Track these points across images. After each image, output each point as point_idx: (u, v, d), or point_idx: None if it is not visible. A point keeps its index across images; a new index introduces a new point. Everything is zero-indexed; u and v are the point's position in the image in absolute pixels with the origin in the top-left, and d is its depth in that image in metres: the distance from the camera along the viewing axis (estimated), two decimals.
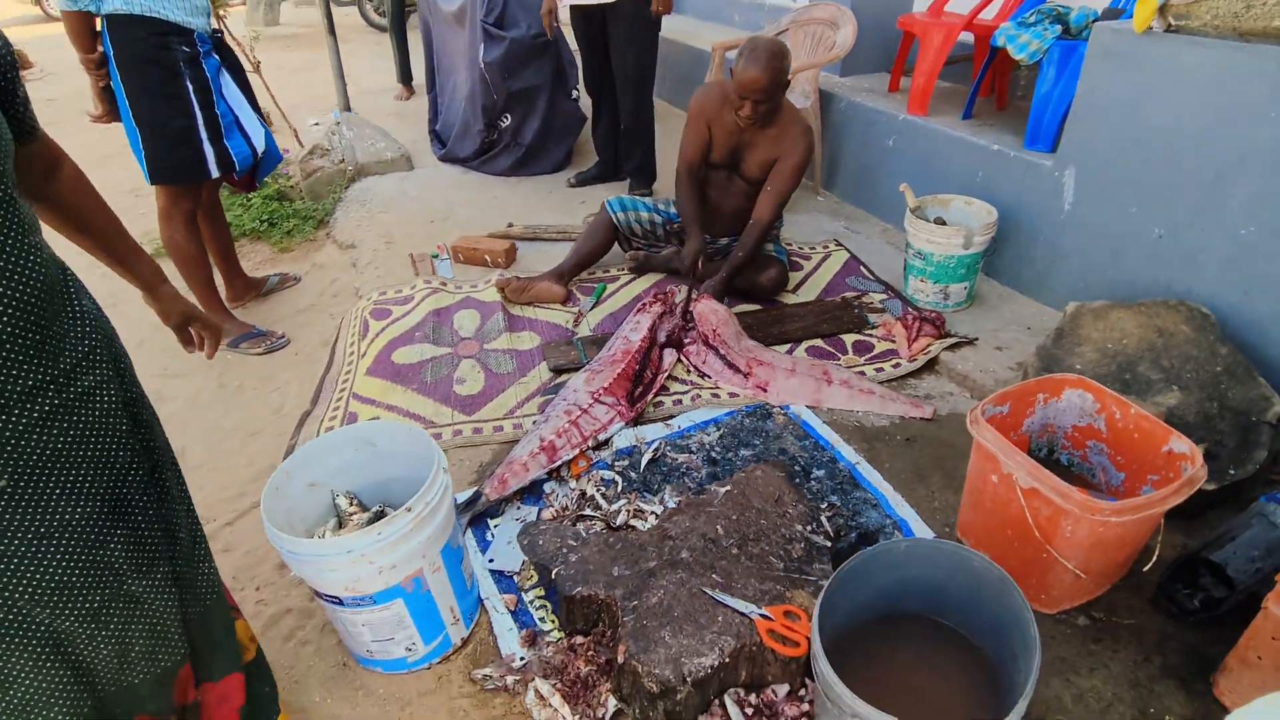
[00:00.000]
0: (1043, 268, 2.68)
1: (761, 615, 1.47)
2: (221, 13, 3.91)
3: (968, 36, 3.22)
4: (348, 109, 4.31)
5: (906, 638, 1.51)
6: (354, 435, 1.60)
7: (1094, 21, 2.54)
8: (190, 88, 2.33)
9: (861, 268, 3.05)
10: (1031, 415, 1.81)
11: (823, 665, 1.23)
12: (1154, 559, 1.57)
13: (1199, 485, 1.47)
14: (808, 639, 1.43)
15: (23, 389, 0.76)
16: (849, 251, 3.17)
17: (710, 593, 1.53)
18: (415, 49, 5.74)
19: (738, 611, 1.49)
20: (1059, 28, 2.63)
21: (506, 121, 3.93)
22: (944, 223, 2.67)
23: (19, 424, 0.76)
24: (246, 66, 2.79)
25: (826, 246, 3.23)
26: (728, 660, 1.43)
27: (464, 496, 1.93)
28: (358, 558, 1.33)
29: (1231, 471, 1.77)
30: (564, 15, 3.78)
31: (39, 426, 0.78)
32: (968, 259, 2.58)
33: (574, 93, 4.05)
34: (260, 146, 2.57)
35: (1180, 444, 1.56)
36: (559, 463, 2.00)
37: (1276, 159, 1.95)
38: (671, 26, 5.12)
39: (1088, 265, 2.51)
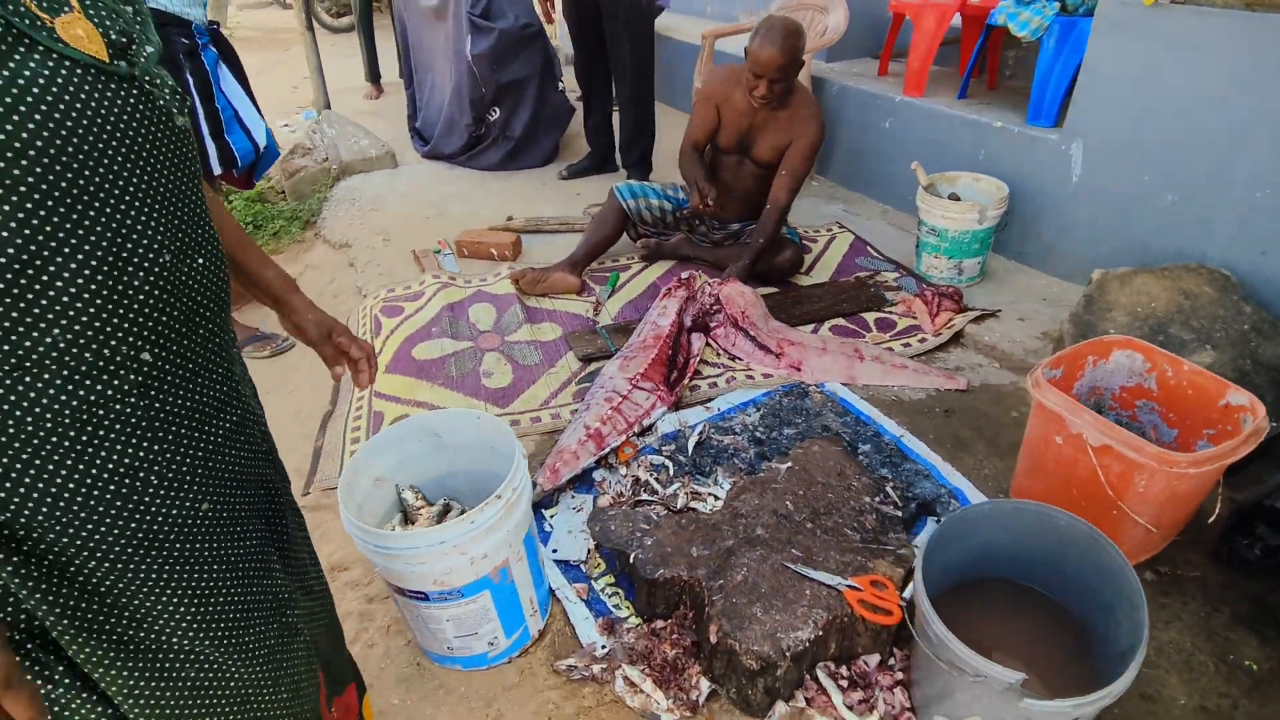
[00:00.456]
0: (1051, 240, 2.74)
1: (850, 586, 1.46)
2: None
3: (955, 18, 3.28)
4: (327, 107, 4.18)
5: (991, 601, 1.51)
6: (420, 426, 1.54)
7: None
8: (190, 80, 2.23)
9: (869, 248, 3.07)
10: (1081, 378, 1.84)
11: (937, 627, 1.22)
12: (1217, 509, 1.61)
13: (1264, 435, 1.51)
14: (900, 606, 1.43)
15: (214, 401, 0.69)
16: (853, 233, 3.19)
17: (794, 567, 1.51)
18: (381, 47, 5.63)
19: (824, 584, 1.48)
20: (1057, 4, 2.69)
21: (495, 115, 3.85)
22: (958, 199, 2.70)
23: (212, 440, 0.69)
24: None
25: (830, 229, 3.25)
26: (821, 633, 1.42)
27: None
28: (450, 548, 1.28)
29: (1274, 425, 1.83)
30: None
31: (225, 444, 0.70)
32: (981, 234, 2.62)
33: (560, 84, 4.00)
34: (261, 141, 2.46)
35: (1239, 396, 1.61)
36: (607, 449, 1.96)
37: None
38: None
39: (1097, 235, 2.58)
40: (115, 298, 0.55)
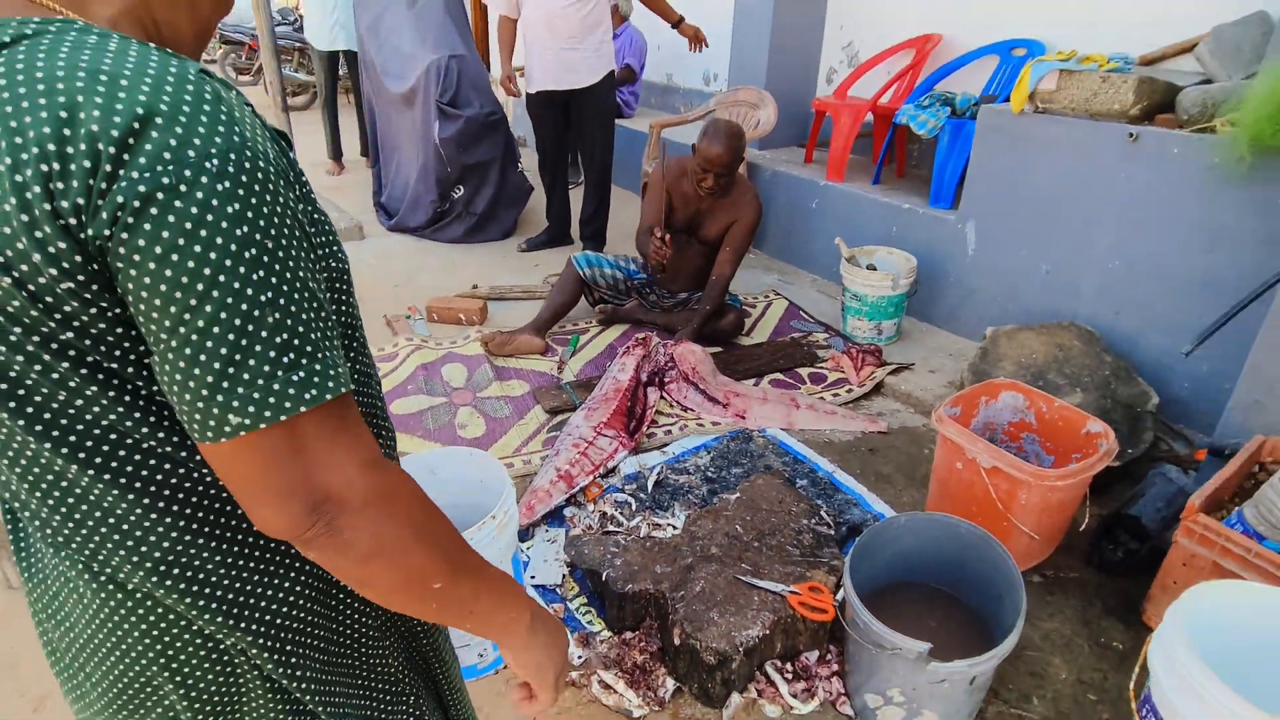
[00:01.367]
0: (954, 303, 3.17)
1: (791, 591, 1.73)
2: None
3: (869, 115, 3.79)
4: None
5: (909, 600, 1.80)
6: (417, 463, 1.76)
7: (975, 105, 3.12)
8: None
9: (801, 313, 3.46)
10: (976, 415, 2.20)
11: (863, 614, 1.50)
12: (1086, 519, 1.95)
13: (1114, 454, 1.88)
14: (833, 605, 1.70)
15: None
16: (788, 299, 3.58)
17: (744, 579, 1.78)
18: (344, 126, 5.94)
19: (770, 591, 1.74)
20: (948, 109, 3.19)
21: (459, 192, 4.18)
22: (874, 269, 3.12)
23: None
24: None
25: (767, 296, 3.63)
26: (769, 631, 1.68)
27: None
28: None
29: (1129, 451, 2.21)
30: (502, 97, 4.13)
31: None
32: (896, 299, 3.03)
33: (520, 165, 4.37)
34: None
35: (1095, 425, 1.98)
36: (576, 489, 2.21)
37: (1127, 208, 2.49)
38: None
39: (990, 299, 3.01)
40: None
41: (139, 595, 0.61)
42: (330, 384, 0.51)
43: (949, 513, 2.07)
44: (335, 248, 0.64)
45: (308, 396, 0.50)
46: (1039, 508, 1.85)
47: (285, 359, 0.49)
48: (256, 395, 0.48)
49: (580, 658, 1.76)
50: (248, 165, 0.47)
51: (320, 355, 0.51)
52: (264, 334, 0.48)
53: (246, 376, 0.47)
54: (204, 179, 0.45)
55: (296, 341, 0.50)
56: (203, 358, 0.47)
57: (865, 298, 3.04)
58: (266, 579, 0.64)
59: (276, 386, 0.48)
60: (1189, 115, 2.36)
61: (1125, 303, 2.57)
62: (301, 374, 0.49)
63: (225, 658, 0.65)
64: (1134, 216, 2.49)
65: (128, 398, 0.53)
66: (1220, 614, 1.37)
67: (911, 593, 1.82)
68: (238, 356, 0.47)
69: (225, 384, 0.47)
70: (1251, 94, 2.09)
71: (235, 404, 0.48)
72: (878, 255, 3.20)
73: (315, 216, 0.60)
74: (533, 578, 1.96)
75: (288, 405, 0.49)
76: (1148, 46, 2.92)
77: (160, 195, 0.44)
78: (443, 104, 3.95)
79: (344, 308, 0.65)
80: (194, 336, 0.46)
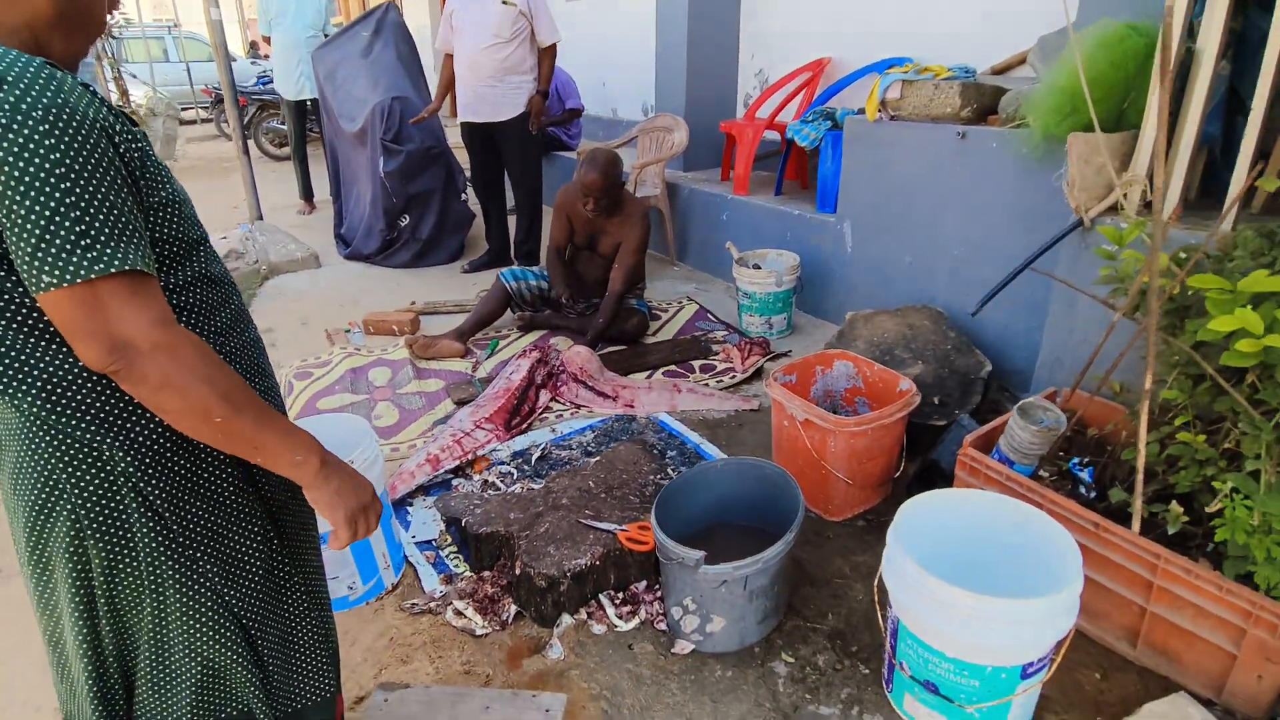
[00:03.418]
0: (840, 298, 3.45)
1: (621, 529, 1.99)
2: None
3: (776, 134, 4.12)
4: (260, 218, 4.80)
5: (728, 538, 2.03)
6: (307, 427, 2.04)
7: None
8: None
9: (709, 314, 3.74)
10: (815, 384, 2.46)
11: (660, 535, 1.75)
12: (902, 468, 2.20)
13: (913, 405, 2.13)
14: (654, 540, 1.95)
15: (258, 342, 1.14)
16: (698, 304, 3.87)
17: (584, 521, 2.03)
18: (314, 170, 6.35)
19: (604, 530, 2.00)
20: (829, 123, 3.51)
21: (405, 221, 4.53)
22: (759, 268, 3.41)
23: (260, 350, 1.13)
24: None
25: (680, 303, 3.92)
26: (598, 563, 1.93)
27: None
28: None
29: (956, 412, 2.46)
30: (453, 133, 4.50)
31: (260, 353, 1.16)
32: (782, 294, 3.31)
33: (463, 195, 4.72)
34: None
35: (905, 383, 2.24)
36: (441, 471, 2.45)
37: (964, 200, 2.78)
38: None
39: (869, 291, 3.29)
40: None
41: (39, 417, 0.87)
42: (117, 261, 0.78)
43: (783, 464, 2.34)
44: (169, 185, 0.91)
45: (99, 268, 0.77)
46: (846, 454, 2.10)
47: (83, 242, 0.76)
48: (60, 264, 0.75)
49: (441, 592, 2.01)
50: (65, 116, 0.75)
51: (113, 242, 0.78)
52: (66, 224, 0.75)
53: (54, 251, 0.75)
54: (30, 122, 0.73)
55: (93, 231, 0.76)
56: (26, 236, 0.75)
57: (754, 295, 3.32)
58: (129, 404, 0.89)
59: (75, 259, 0.76)
60: (1006, 114, 2.66)
61: (970, 284, 2.83)
62: (94, 253, 0.76)
63: (106, 469, 0.90)
64: (969, 205, 2.77)
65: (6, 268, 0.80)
66: (928, 516, 1.62)
67: (731, 532, 2.06)
68: (47, 237, 0.75)
69: (39, 254, 0.75)
70: (1038, 92, 2.39)
71: (46, 268, 0.75)
72: (768, 257, 3.50)
73: (145, 164, 0.87)
74: (414, 536, 2.22)
75: (82, 272, 0.76)
76: (1000, 57, 3.24)
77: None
78: (386, 141, 4.32)
79: (179, 226, 0.93)
80: (20, 222, 0.74)
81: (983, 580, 1.63)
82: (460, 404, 2.93)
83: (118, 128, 0.83)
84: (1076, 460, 1.93)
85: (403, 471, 2.41)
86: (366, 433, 1.96)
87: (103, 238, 0.78)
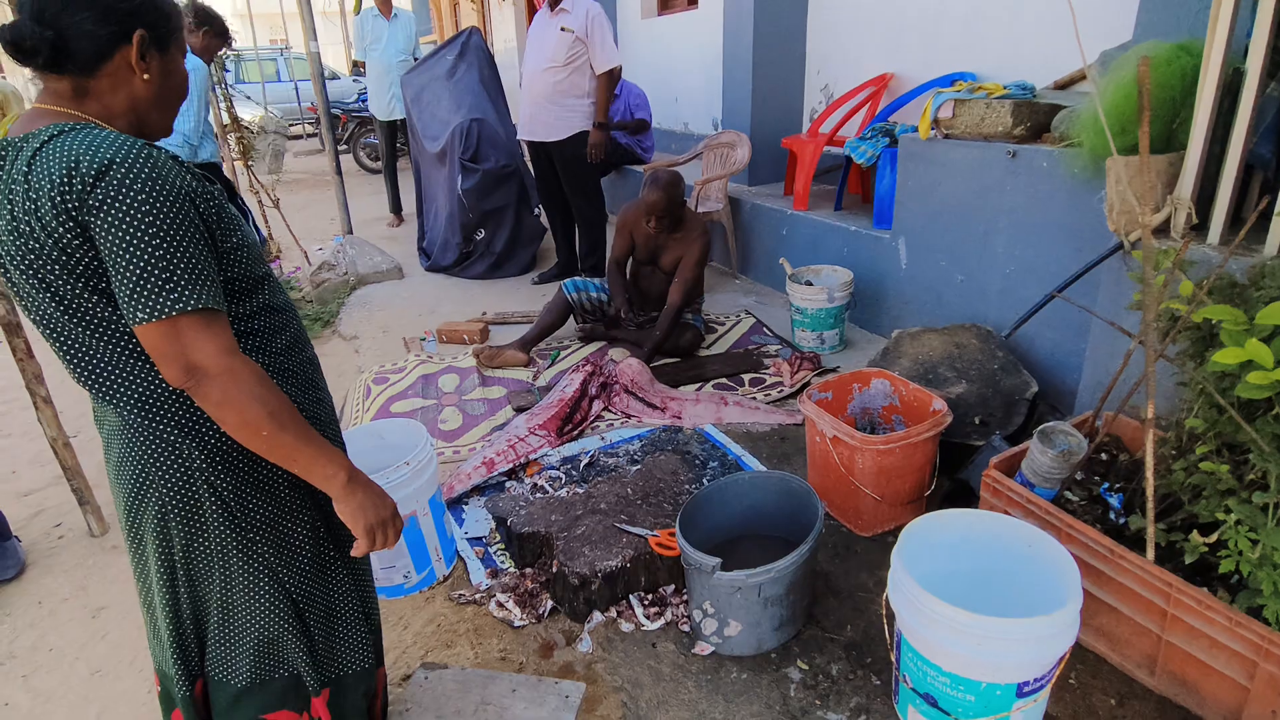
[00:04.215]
0: (894, 314, 3.46)
1: (652, 535, 2.11)
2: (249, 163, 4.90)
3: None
4: (350, 232, 5.19)
5: (756, 548, 2.13)
6: (368, 430, 2.27)
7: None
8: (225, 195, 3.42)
9: (764, 328, 3.82)
10: (852, 401, 2.51)
11: (682, 543, 1.86)
12: (933, 486, 2.24)
13: (943, 426, 2.17)
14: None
15: (315, 361, 1.34)
16: (755, 318, 3.95)
17: (620, 525, 2.17)
18: (403, 185, 6.76)
19: (637, 534, 2.13)
20: (888, 139, 3.53)
21: (480, 235, 4.80)
22: (811, 285, 3.46)
23: (318, 374, 1.34)
24: (267, 202, 3.90)
25: (738, 316, 4.01)
26: (628, 565, 2.06)
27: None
28: None
29: (998, 433, 2.46)
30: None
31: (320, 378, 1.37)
32: (834, 310, 3.36)
33: (536, 210, 4.96)
34: (263, 234, 3.62)
35: (937, 403, 2.27)
36: (496, 473, 2.63)
37: (1015, 218, 2.77)
38: None
39: (922, 308, 3.29)
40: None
41: (135, 419, 1.09)
42: (194, 301, 0.97)
43: (816, 480, 2.41)
44: (239, 231, 1.11)
45: (179, 307, 0.97)
46: (874, 471, 2.16)
47: (168, 286, 0.96)
48: (151, 303, 0.96)
49: (486, 585, 2.19)
50: (158, 188, 0.96)
51: (191, 286, 0.97)
52: (156, 272, 0.95)
53: (146, 292, 0.95)
54: (130, 193, 0.94)
55: (175, 277, 0.97)
56: (126, 280, 0.95)
57: (806, 310, 3.38)
58: (203, 413, 1.09)
59: (162, 299, 0.96)
60: (1059, 133, 2.64)
61: (1021, 303, 2.81)
62: (175, 294, 0.96)
63: (185, 464, 1.10)
64: (1020, 225, 2.76)
65: (108, 296, 1.01)
66: (936, 535, 1.67)
67: (760, 542, 2.15)
68: (142, 281, 0.95)
69: (136, 295, 0.95)
70: (1086, 111, 2.37)
71: (140, 306, 0.96)
72: (822, 273, 3.55)
73: (221, 216, 1.07)
74: (466, 532, 2.42)
75: (167, 310, 0.97)
76: (1064, 72, 3.19)
77: (108, 200, 0.93)
78: (464, 160, 4.60)
79: (247, 265, 1.12)
80: (123, 270, 0.95)
81: (986, 598, 1.67)
82: (519, 411, 3.13)
83: (199, 190, 1.03)
84: (1107, 485, 1.92)
85: (460, 473, 2.62)
86: (423, 437, 2.16)
87: (184, 283, 0.97)
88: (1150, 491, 1.55)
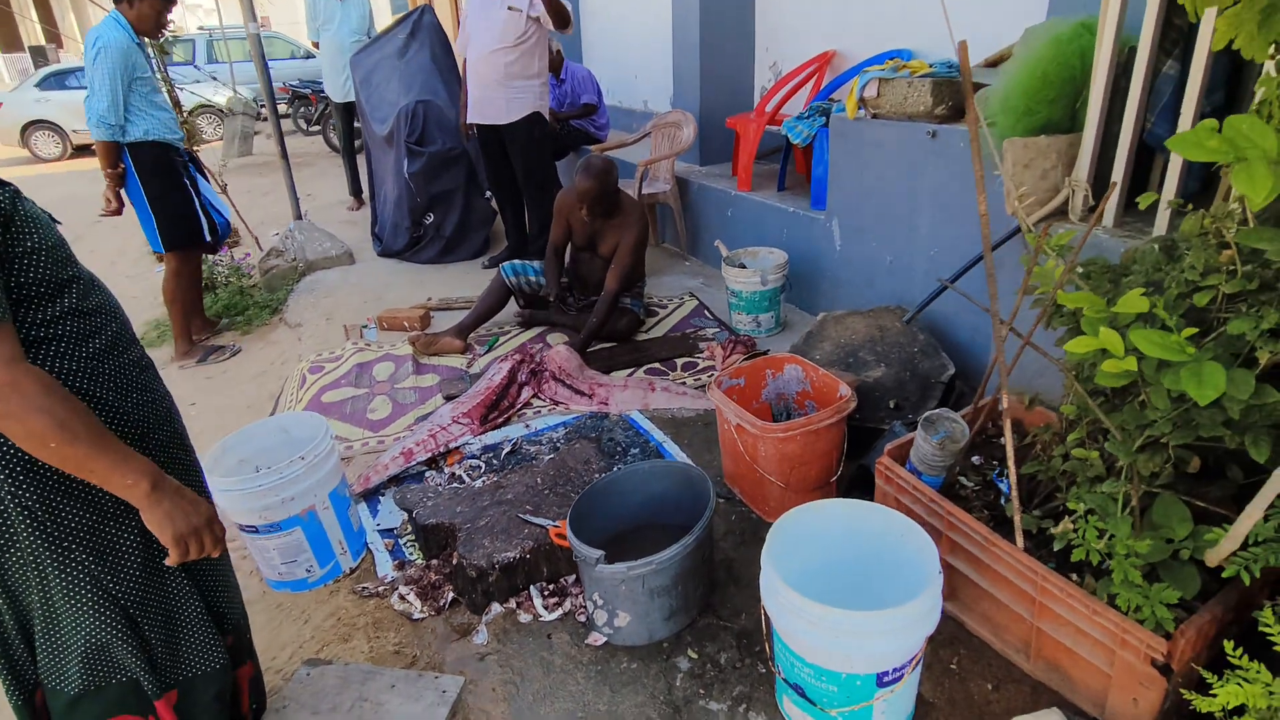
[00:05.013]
0: (829, 295, 3.44)
1: (553, 525, 2.11)
2: (196, 147, 4.82)
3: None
4: (299, 217, 5.13)
5: (655, 537, 2.11)
6: (273, 425, 2.26)
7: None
8: (188, 182, 3.24)
9: (706, 311, 3.80)
10: (766, 387, 2.50)
11: (570, 535, 1.86)
12: (839, 472, 2.24)
13: (845, 412, 2.16)
14: None
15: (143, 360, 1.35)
16: (698, 300, 3.93)
17: (523, 516, 2.17)
18: (365, 167, 6.68)
19: (539, 525, 2.13)
20: (824, 119, 3.48)
21: (430, 219, 4.75)
22: (744, 267, 3.44)
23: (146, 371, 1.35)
24: (216, 186, 3.91)
25: (681, 298, 3.99)
26: (528, 556, 2.06)
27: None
28: (266, 490, 1.97)
29: (910, 416, 2.46)
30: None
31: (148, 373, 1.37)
32: (768, 293, 3.34)
33: (487, 193, 4.90)
34: (226, 217, 3.54)
35: (843, 389, 2.26)
36: (414, 463, 2.62)
37: (938, 199, 2.74)
38: None
39: (855, 289, 3.27)
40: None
41: None
42: None
43: (729, 468, 2.41)
44: (37, 234, 1.08)
45: None
46: (777, 458, 2.15)
47: None
48: None
49: (391, 578, 2.19)
50: None
51: None
52: None
53: None
54: None
55: None
56: None
57: (741, 293, 3.36)
58: None
59: None
60: (979, 111, 2.60)
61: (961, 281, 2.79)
62: None
63: None
64: (943, 205, 2.73)
65: None
66: (811, 527, 1.67)
67: (662, 531, 2.14)
68: None
69: None
70: (994, 92, 2.34)
71: None
72: (761, 255, 3.52)
73: (13, 219, 1.04)
74: (379, 523, 2.41)
75: None
76: (995, 50, 3.14)
77: None
78: (410, 143, 4.54)
79: (47, 269, 1.10)
80: None
81: (863, 589, 1.68)
82: (449, 399, 3.11)
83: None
84: (999, 471, 1.93)
85: (378, 464, 2.61)
86: (323, 430, 2.15)
87: None
88: (1013, 479, 1.55)
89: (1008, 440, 1.53)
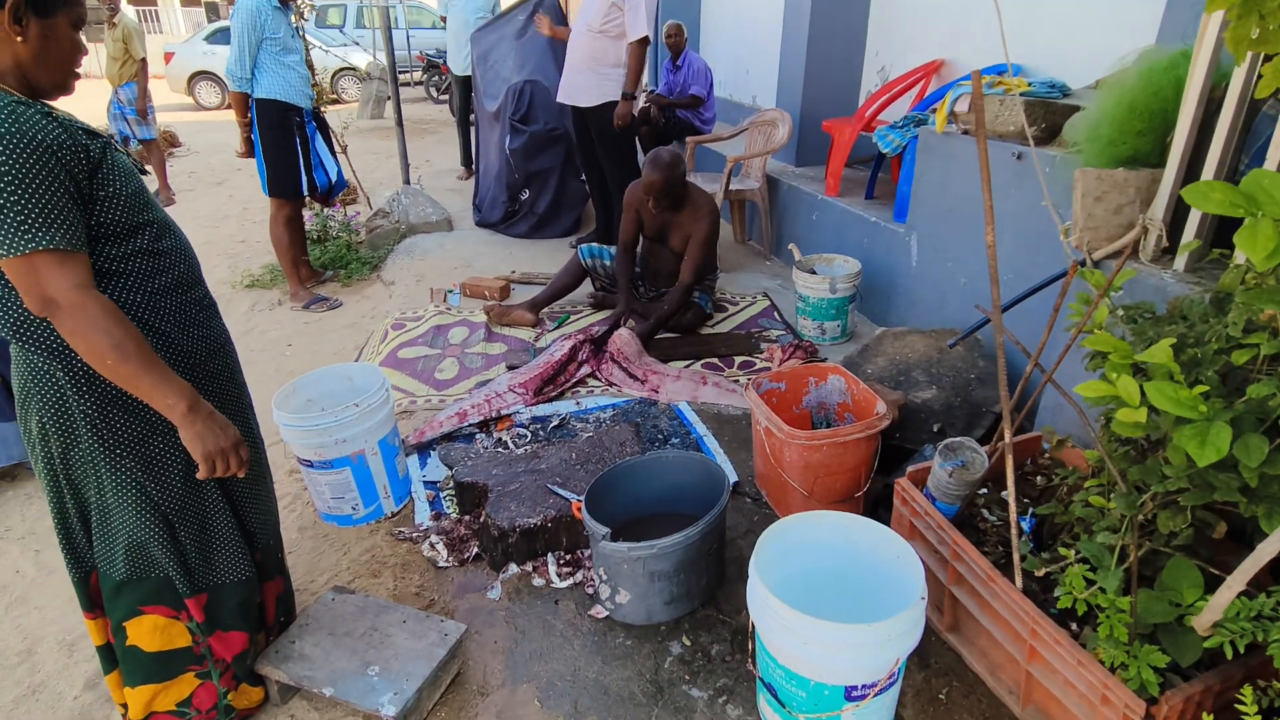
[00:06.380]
0: (901, 310, 3.36)
1: (576, 499, 2.21)
2: (322, 108, 5.19)
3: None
4: (407, 183, 5.44)
5: (673, 526, 2.19)
6: (337, 372, 2.46)
7: None
8: (297, 141, 3.56)
9: (775, 313, 3.79)
10: (808, 394, 2.50)
11: (584, 507, 1.96)
12: (865, 486, 2.23)
13: (876, 429, 2.14)
14: None
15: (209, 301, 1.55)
16: (770, 301, 3.92)
17: (550, 486, 2.28)
18: None
19: (564, 497, 2.24)
20: (916, 130, 3.39)
21: (525, 195, 4.94)
22: (814, 273, 3.41)
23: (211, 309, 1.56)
24: (336, 146, 4.23)
25: (754, 297, 3.99)
26: (549, 525, 2.17)
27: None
28: (322, 429, 2.17)
29: (932, 443, 2.40)
30: None
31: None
32: (836, 301, 3.30)
33: (582, 175, 5.04)
34: (333, 178, 3.90)
35: (880, 406, 2.24)
36: (467, 423, 2.78)
37: (1016, 223, 2.64)
38: None
39: (927, 307, 3.19)
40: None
41: (14, 343, 1.27)
42: (46, 241, 1.14)
43: (760, 468, 2.44)
44: (119, 181, 1.26)
45: (31, 245, 1.15)
46: (801, 465, 2.17)
47: (22, 227, 1.12)
48: (8, 240, 1.12)
49: (425, 526, 2.36)
50: (14, 139, 1.11)
51: (46, 227, 1.13)
52: (11, 213, 1.12)
53: (3, 231, 1.12)
54: None
55: (29, 218, 1.13)
56: None
57: (808, 299, 3.34)
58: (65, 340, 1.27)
59: (16, 238, 1.13)
60: (1068, 137, 2.48)
61: (1016, 313, 2.69)
62: (30, 234, 1.13)
63: (55, 384, 1.29)
64: (1022, 231, 2.63)
65: None
66: (808, 533, 1.69)
67: (680, 519, 2.20)
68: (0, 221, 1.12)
69: None
70: (1084, 118, 2.23)
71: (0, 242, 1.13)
72: (834, 263, 3.48)
73: (100, 167, 1.21)
74: (425, 475, 2.59)
75: (21, 247, 1.15)
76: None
77: None
78: (514, 120, 4.73)
79: (124, 213, 1.27)
80: None
81: (851, 600, 1.69)
82: (510, 369, 3.27)
83: (66, 143, 1.18)
84: (1030, 512, 1.87)
85: (434, 420, 2.79)
86: (379, 382, 2.33)
87: (38, 225, 1.13)
88: (1013, 515, 1.52)
89: (1009, 475, 1.50)
